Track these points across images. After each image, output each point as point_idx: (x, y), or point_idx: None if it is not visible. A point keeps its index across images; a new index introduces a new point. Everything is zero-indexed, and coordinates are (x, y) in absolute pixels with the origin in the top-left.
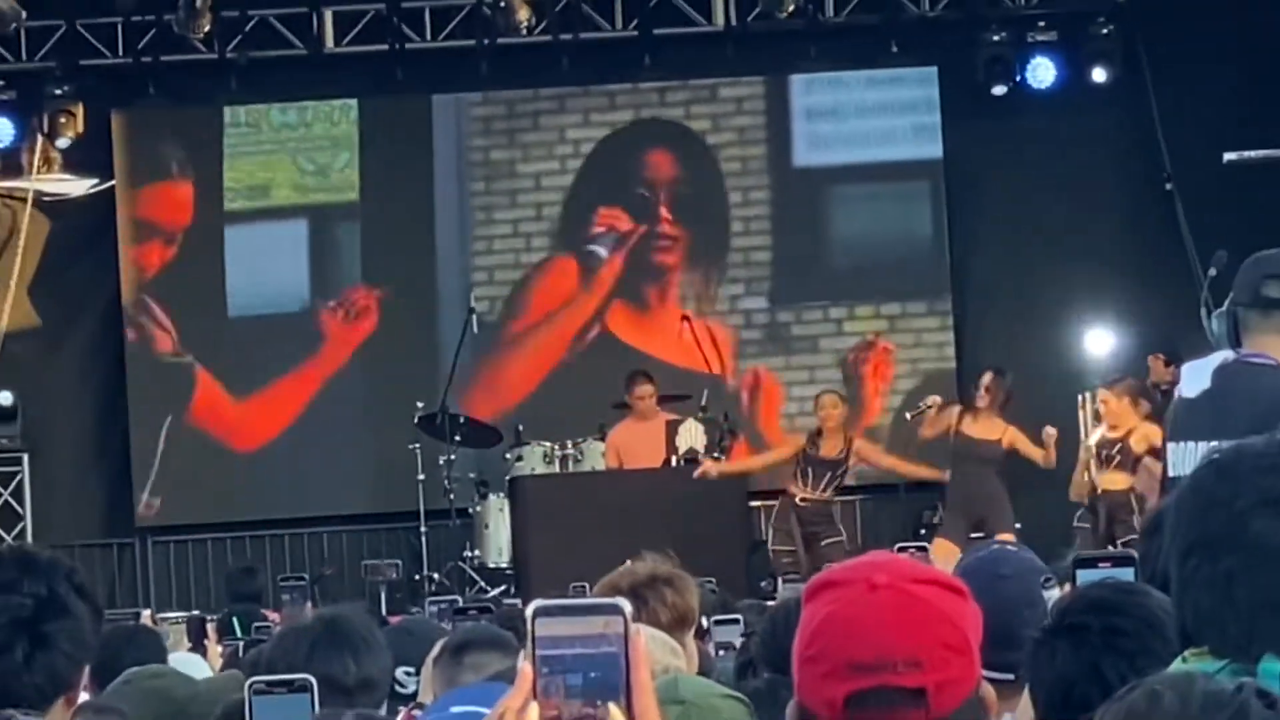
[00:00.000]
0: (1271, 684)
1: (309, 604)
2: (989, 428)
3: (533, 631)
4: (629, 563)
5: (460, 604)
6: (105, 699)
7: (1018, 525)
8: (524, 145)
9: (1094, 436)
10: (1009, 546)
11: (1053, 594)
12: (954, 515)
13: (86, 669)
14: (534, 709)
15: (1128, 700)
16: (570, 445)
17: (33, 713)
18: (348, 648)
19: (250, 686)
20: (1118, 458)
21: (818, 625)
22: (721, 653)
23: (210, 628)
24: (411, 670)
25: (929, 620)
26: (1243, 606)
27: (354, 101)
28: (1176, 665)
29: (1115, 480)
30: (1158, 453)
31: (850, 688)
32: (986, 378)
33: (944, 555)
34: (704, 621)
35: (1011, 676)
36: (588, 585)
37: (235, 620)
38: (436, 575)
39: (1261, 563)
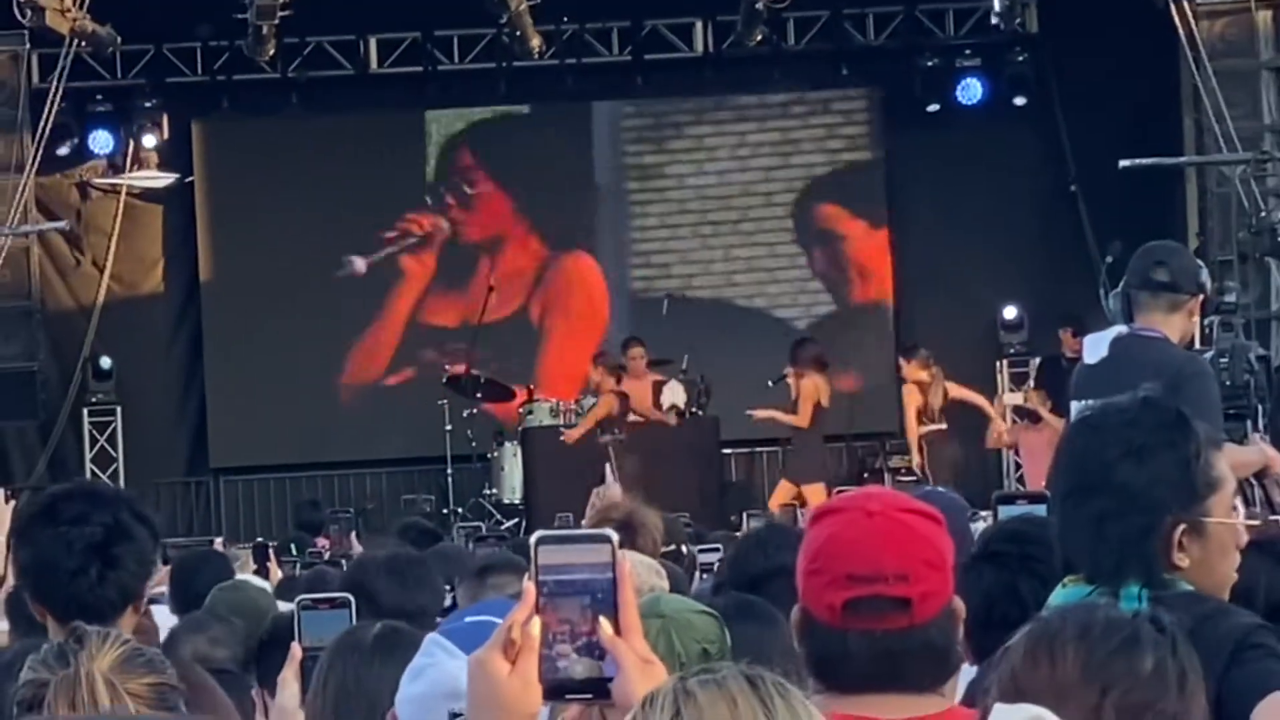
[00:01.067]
0: (1131, 604)
1: (354, 533)
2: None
3: (535, 557)
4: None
5: (482, 532)
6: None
7: None
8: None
9: (1007, 397)
10: (940, 489)
11: (978, 526)
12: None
13: (150, 580)
14: (536, 622)
15: (1040, 623)
16: (573, 402)
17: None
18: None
19: (298, 602)
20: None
21: (821, 544)
22: (705, 576)
23: (272, 553)
24: (448, 586)
25: (914, 541)
26: (1112, 542)
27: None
28: (1057, 591)
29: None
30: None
31: (848, 595)
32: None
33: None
34: (684, 548)
35: None
36: (571, 516)
37: (292, 545)
38: (460, 509)
39: (1127, 504)
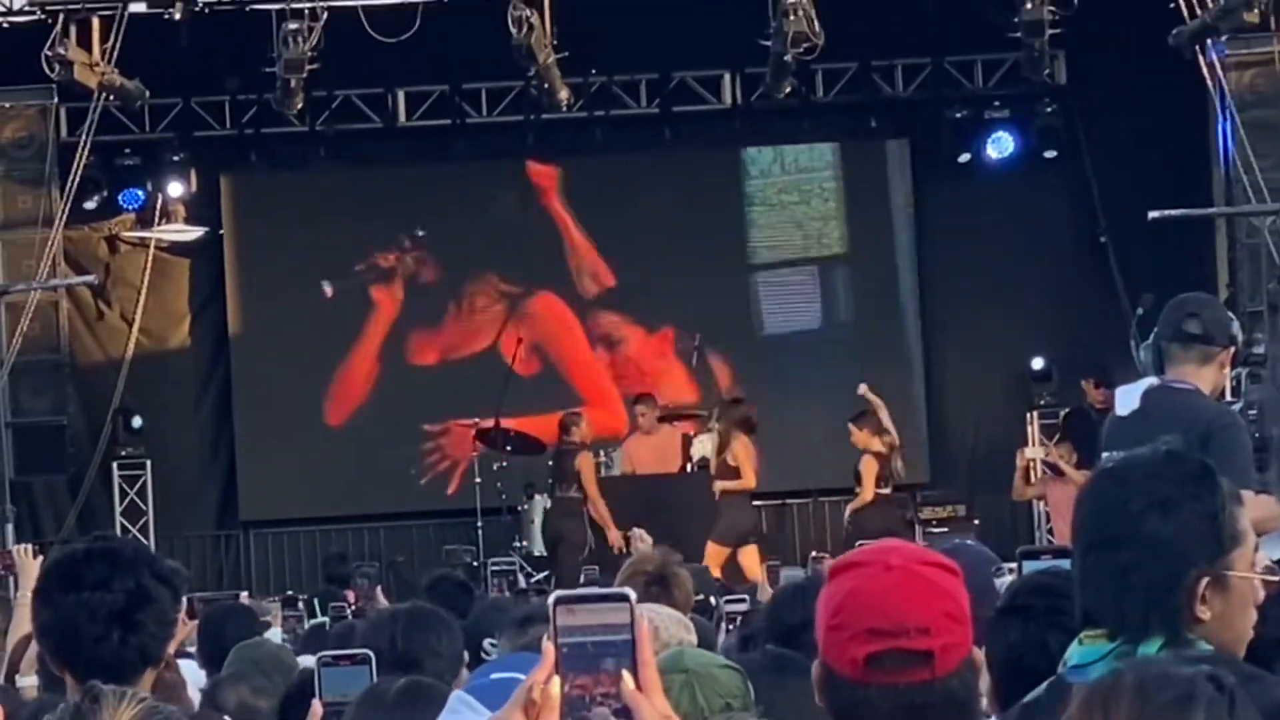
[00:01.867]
0: None
1: (379, 587)
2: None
3: (554, 618)
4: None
5: (520, 584)
6: (233, 666)
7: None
8: None
9: (1029, 450)
10: (967, 540)
11: (1003, 580)
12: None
13: (171, 640)
14: (556, 682)
15: (1103, 677)
16: (602, 454)
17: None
18: (429, 630)
19: (319, 659)
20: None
21: (842, 599)
22: (731, 628)
23: (301, 606)
24: (495, 641)
25: (934, 594)
26: (1138, 593)
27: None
28: (1074, 647)
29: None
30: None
31: (870, 649)
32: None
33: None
34: (711, 600)
35: None
36: (598, 569)
37: (315, 601)
38: (490, 561)
39: (1152, 556)
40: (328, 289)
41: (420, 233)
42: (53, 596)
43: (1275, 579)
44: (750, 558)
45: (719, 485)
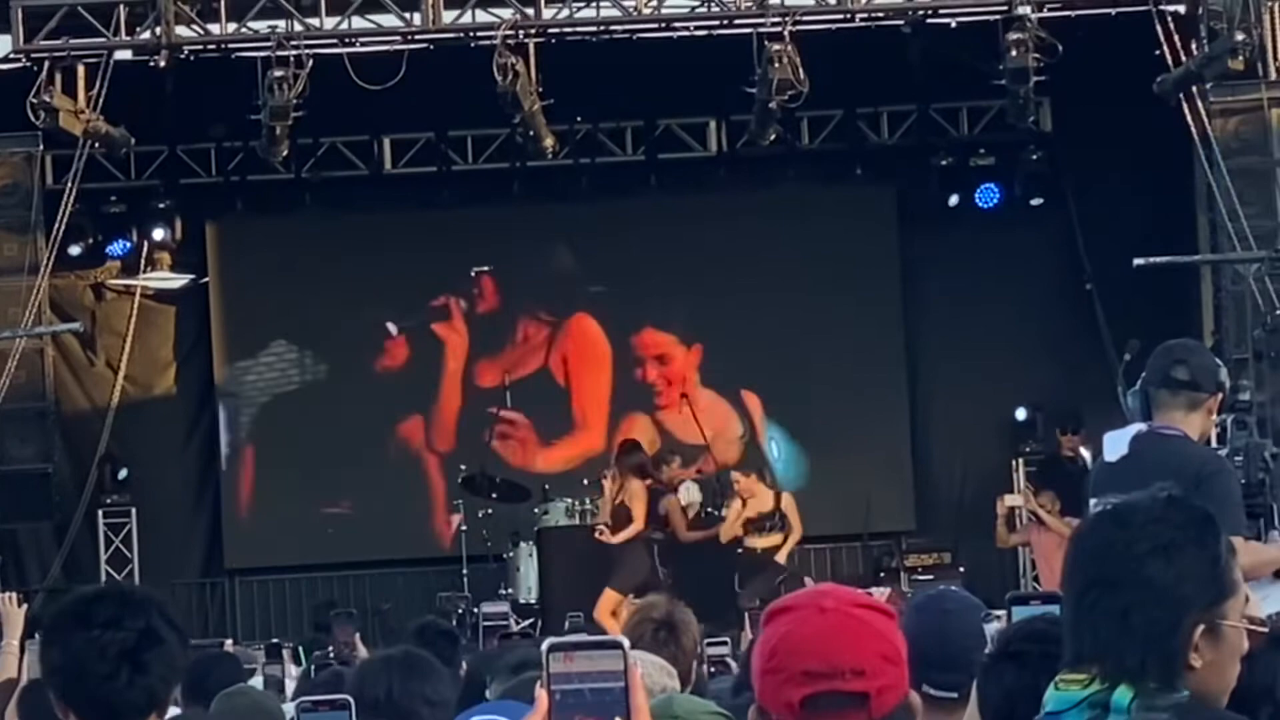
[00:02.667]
0: (1121, 713)
1: (358, 634)
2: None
3: (547, 665)
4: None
5: (510, 629)
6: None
7: None
8: None
9: (1009, 498)
10: (952, 586)
11: (992, 627)
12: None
13: (177, 685)
14: None
15: None
16: (588, 502)
17: None
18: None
19: (298, 705)
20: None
21: (776, 642)
22: (713, 670)
23: (286, 654)
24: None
25: (869, 637)
26: (1138, 637)
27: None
28: (1050, 691)
29: (772, 540)
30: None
31: (805, 692)
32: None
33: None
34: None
35: (955, 695)
36: (582, 616)
37: (300, 649)
38: (478, 609)
39: (1153, 600)
40: (393, 329)
41: (482, 268)
42: (62, 635)
43: (1263, 629)
44: None
45: (621, 535)
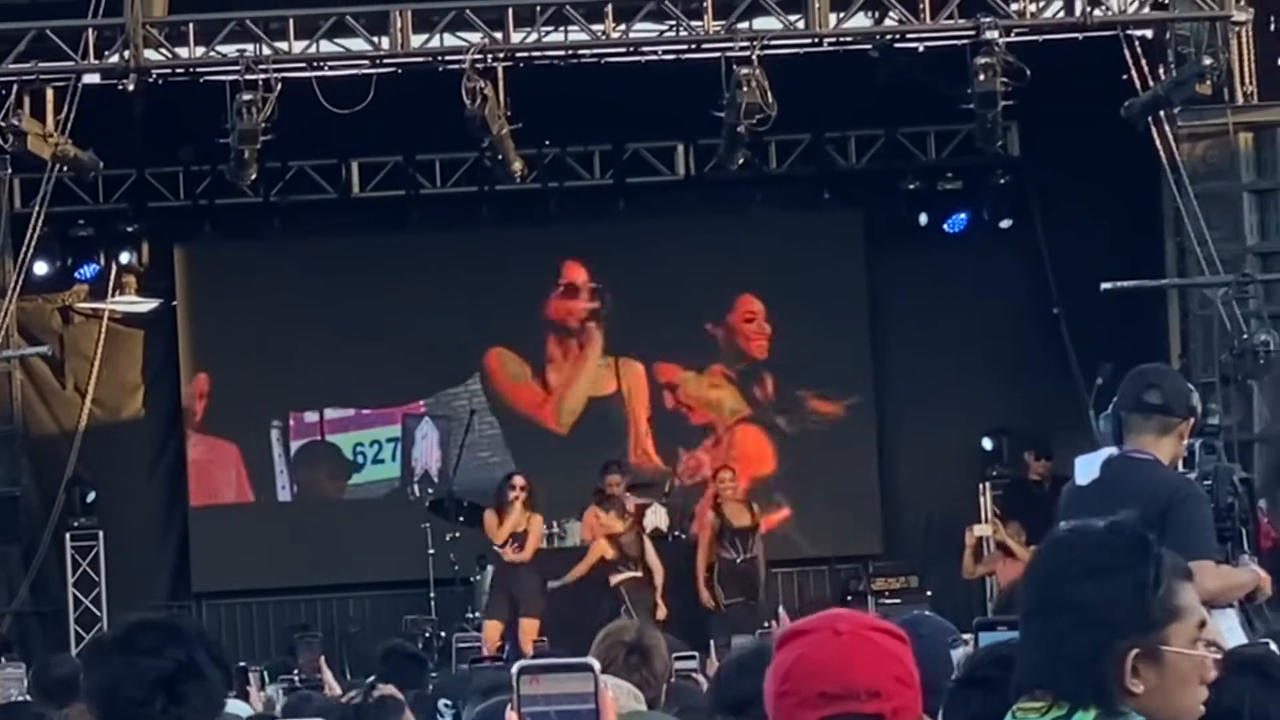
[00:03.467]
0: None
1: (322, 657)
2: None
3: (517, 687)
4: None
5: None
6: None
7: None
8: None
9: (977, 529)
10: (925, 613)
11: (959, 652)
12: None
13: None
14: None
15: None
16: (555, 525)
17: None
18: None
19: None
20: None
21: (791, 665)
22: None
23: (253, 677)
24: (450, 702)
25: (884, 659)
26: (1068, 662)
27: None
28: (1008, 718)
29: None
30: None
31: (821, 714)
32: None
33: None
34: None
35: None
36: (546, 642)
37: (265, 673)
38: (444, 633)
39: (1081, 625)
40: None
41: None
42: (104, 659)
43: (1215, 655)
44: (533, 632)
45: (524, 556)
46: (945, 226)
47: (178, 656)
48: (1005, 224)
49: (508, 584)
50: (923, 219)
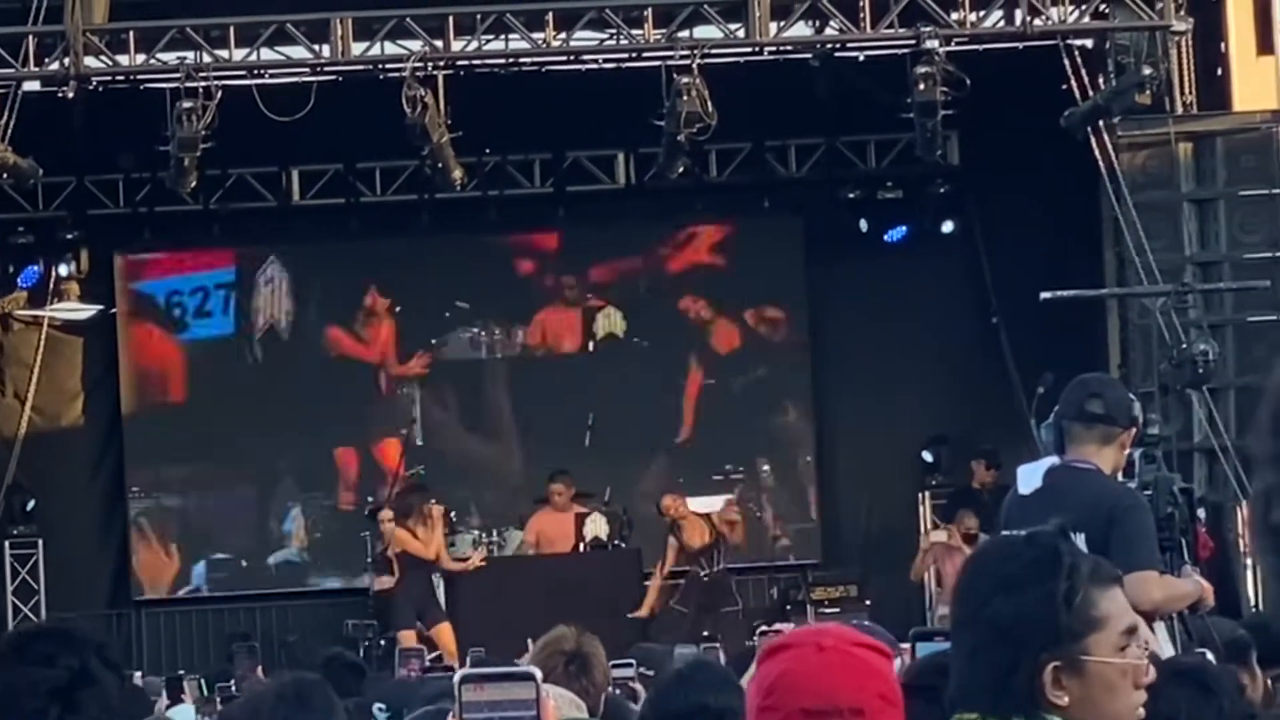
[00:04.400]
0: None
1: (259, 665)
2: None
3: (459, 696)
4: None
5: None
6: None
7: None
8: None
9: (934, 534)
10: (866, 622)
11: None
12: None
13: None
14: None
15: None
16: (495, 533)
17: None
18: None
19: None
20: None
21: (774, 679)
22: (618, 691)
23: (188, 685)
24: (384, 706)
25: (868, 675)
26: (982, 676)
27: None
28: None
29: None
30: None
31: None
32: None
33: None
34: None
35: None
36: (484, 650)
37: (203, 682)
38: (383, 640)
39: (994, 638)
40: None
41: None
42: None
43: (1141, 663)
44: (446, 636)
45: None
46: (885, 236)
47: (70, 664)
48: (944, 234)
49: (414, 594)
50: (862, 228)
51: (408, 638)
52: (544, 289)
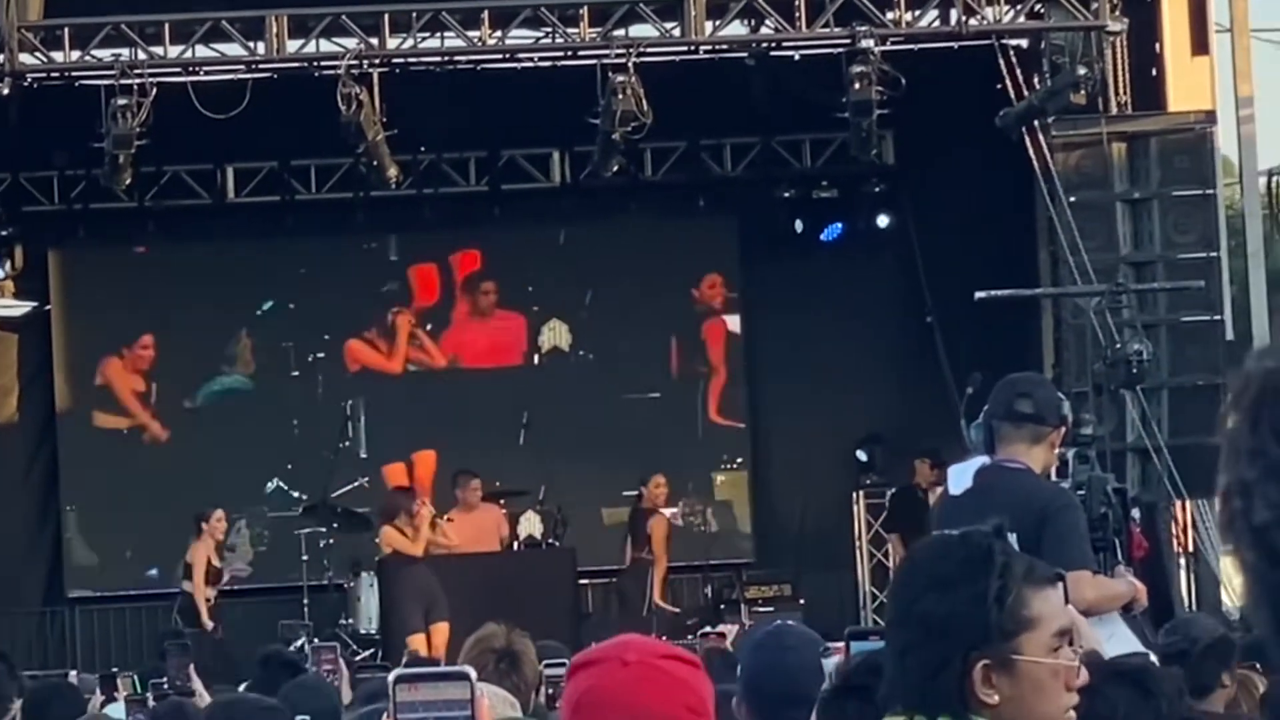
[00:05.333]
0: None
1: (191, 663)
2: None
3: (393, 696)
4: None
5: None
6: None
7: None
8: None
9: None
10: (789, 621)
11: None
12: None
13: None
14: None
15: None
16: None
17: None
18: None
19: None
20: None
21: (580, 697)
22: (550, 690)
23: (121, 682)
24: (307, 717)
25: (673, 687)
26: (912, 676)
27: None
28: None
29: None
30: None
31: None
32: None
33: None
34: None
35: None
36: (423, 653)
37: (135, 679)
38: (318, 639)
39: (924, 637)
40: None
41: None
42: None
43: (1072, 664)
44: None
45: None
46: (820, 235)
47: None
48: (879, 233)
49: (418, 593)
50: (797, 227)
51: (417, 642)
52: (479, 293)
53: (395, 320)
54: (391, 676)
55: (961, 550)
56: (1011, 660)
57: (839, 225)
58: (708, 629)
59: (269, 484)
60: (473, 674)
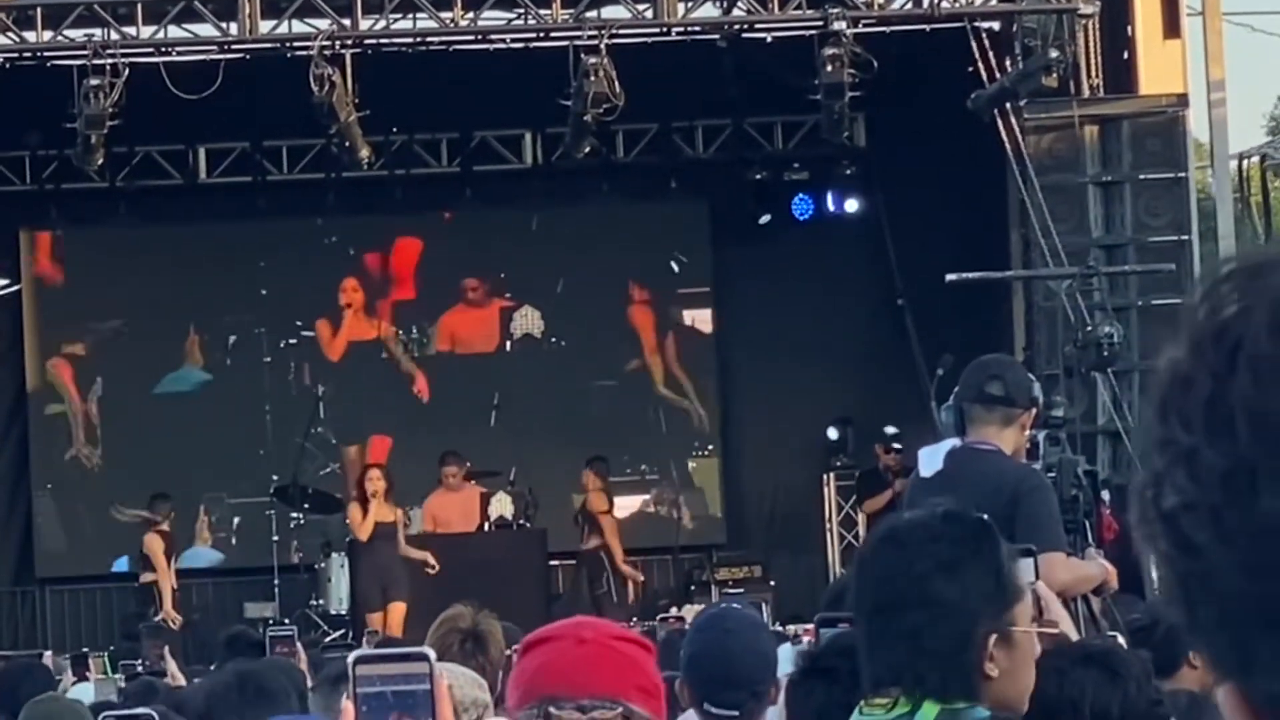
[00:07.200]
0: None
1: (166, 645)
2: (387, 511)
3: (353, 676)
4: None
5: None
6: None
7: None
8: None
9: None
10: (735, 605)
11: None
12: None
13: None
14: None
15: None
16: (404, 513)
17: None
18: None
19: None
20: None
21: (534, 670)
22: None
23: (93, 662)
24: None
25: (626, 667)
26: (932, 656)
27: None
28: (855, 716)
29: None
30: None
31: None
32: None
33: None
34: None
35: (736, 713)
36: (380, 631)
37: (106, 660)
38: (287, 620)
39: (941, 617)
40: None
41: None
42: None
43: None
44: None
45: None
46: (793, 214)
47: None
48: (850, 216)
49: (377, 571)
50: (769, 209)
51: (375, 620)
52: (453, 279)
53: (357, 302)
54: (351, 657)
55: (955, 529)
56: (1010, 633)
57: (810, 207)
58: (665, 614)
59: (238, 467)
60: (432, 655)
